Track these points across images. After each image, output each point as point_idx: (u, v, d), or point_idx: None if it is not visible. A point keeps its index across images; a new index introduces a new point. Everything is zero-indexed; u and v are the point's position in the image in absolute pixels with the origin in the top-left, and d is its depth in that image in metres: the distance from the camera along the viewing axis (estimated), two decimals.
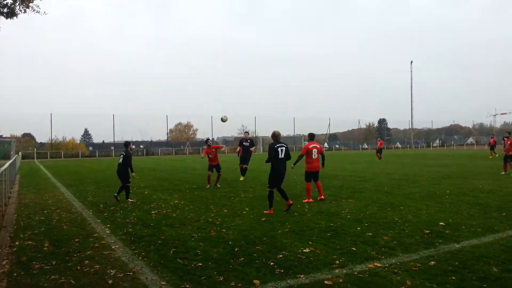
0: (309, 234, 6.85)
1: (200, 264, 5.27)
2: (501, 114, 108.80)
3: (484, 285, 4.37)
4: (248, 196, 11.75)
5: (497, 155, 29.40)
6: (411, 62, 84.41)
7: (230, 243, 6.32)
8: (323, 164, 10.59)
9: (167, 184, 15.83)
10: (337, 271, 4.92)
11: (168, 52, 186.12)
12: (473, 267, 4.95)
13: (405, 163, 26.84)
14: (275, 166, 8.97)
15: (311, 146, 10.49)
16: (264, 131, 72.61)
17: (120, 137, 68.82)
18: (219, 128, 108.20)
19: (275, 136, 9.13)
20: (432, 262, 5.17)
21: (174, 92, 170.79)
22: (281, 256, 5.57)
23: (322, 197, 10.61)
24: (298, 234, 6.86)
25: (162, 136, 79.80)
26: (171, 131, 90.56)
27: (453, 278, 4.60)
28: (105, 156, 58.71)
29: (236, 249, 5.94)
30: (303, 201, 10.31)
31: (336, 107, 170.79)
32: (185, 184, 15.33)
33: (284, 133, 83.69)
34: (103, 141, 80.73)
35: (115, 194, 11.20)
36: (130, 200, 11.02)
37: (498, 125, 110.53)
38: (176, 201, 10.96)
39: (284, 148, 9.08)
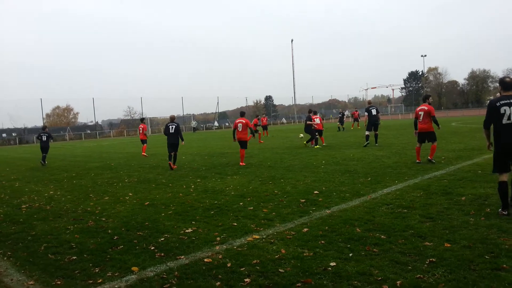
0: (193, 214, 6.88)
1: (74, 257, 4.97)
2: (372, 88, 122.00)
3: (348, 246, 4.82)
4: (132, 180, 11.35)
5: (359, 127, 32.57)
6: (292, 41, 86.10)
7: (109, 231, 6.06)
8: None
9: (41, 174, 14.56)
10: (217, 247, 5.02)
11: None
12: (340, 230, 5.43)
13: (288, 137, 28.28)
14: None
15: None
16: (151, 112, 70.37)
17: None
18: (102, 110, 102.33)
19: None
20: (305, 229, 5.55)
21: (46, 74, 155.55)
22: (162, 239, 5.51)
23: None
24: (182, 215, 6.84)
25: (38, 122, 72.53)
26: (48, 115, 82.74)
27: (322, 242, 4.99)
28: None
29: (116, 237, 5.72)
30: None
31: (223, 85, 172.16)
32: (62, 173, 14.25)
33: (174, 113, 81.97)
34: None
35: None
36: None
37: (369, 98, 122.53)
38: (51, 192, 10.14)
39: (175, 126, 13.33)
